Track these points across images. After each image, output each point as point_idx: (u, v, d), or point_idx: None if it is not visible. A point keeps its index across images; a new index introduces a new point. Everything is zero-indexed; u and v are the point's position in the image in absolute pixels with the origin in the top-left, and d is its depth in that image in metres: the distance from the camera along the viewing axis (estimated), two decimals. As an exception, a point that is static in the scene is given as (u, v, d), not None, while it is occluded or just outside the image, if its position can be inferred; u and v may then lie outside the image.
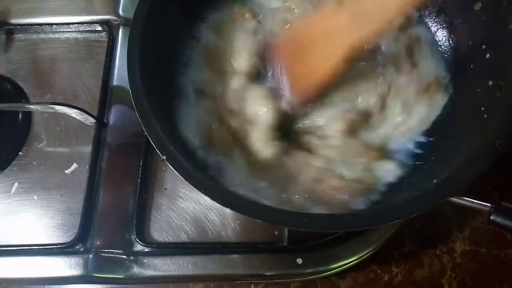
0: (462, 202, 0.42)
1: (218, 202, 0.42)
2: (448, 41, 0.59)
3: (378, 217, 0.43)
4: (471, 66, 0.54)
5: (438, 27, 0.60)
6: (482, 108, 0.49)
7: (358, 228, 0.47)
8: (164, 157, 0.44)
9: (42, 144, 0.65)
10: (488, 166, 0.42)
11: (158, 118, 0.47)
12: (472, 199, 0.42)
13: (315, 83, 0.53)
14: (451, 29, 0.58)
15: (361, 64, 0.56)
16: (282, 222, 0.46)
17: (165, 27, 0.55)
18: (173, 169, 0.44)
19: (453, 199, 0.42)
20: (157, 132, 0.46)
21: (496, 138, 0.44)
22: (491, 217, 0.41)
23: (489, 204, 0.41)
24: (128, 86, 0.48)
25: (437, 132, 0.55)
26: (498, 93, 0.48)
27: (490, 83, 0.49)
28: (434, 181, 0.44)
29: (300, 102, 0.54)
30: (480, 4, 0.52)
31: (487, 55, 0.51)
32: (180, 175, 0.43)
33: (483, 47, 0.52)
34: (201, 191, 0.43)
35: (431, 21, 0.60)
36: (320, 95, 0.55)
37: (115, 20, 0.71)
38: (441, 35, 0.59)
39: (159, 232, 0.59)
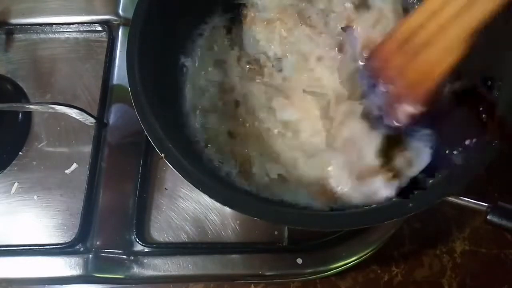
0: (459, 201, 0.42)
1: (217, 201, 0.42)
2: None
3: (378, 215, 0.43)
4: (470, 66, 0.54)
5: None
6: (480, 108, 0.49)
7: (356, 226, 0.47)
8: (163, 155, 0.44)
9: (42, 144, 0.65)
10: (486, 166, 0.43)
11: (157, 117, 0.47)
12: (470, 198, 0.42)
13: (434, 83, 0.49)
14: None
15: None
16: (281, 221, 0.46)
17: (164, 26, 0.55)
18: (171, 167, 0.44)
19: (451, 198, 0.42)
20: (156, 130, 0.46)
21: (494, 138, 0.44)
22: (488, 217, 0.41)
23: (486, 204, 0.41)
24: (128, 86, 0.48)
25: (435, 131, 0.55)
26: (496, 93, 0.48)
27: (489, 82, 0.49)
28: (431, 181, 0.44)
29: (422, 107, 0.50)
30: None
31: (486, 56, 0.51)
32: (179, 173, 0.43)
33: (482, 46, 0.52)
34: (199, 189, 0.43)
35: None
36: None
37: (115, 20, 0.71)
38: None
39: (159, 232, 0.59)
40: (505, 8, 0.43)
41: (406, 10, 0.59)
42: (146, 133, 0.46)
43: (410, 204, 0.42)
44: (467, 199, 0.42)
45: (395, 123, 0.51)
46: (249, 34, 0.60)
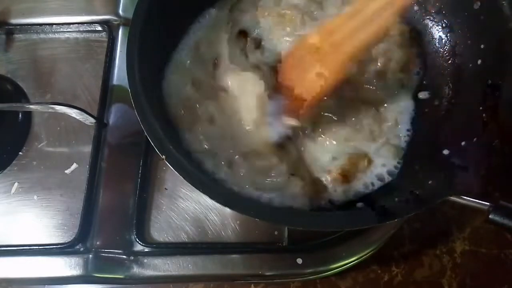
0: (462, 201, 0.42)
1: (218, 202, 0.42)
2: (447, 41, 0.59)
3: (378, 216, 0.43)
4: (470, 65, 0.54)
5: (436, 27, 0.60)
6: (480, 108, 0.49)
7: (358, 227, 0.46)
8: (163, 156, 0.44)
9: (42, 144, 0.65)
10: (487, 165, 0.42)
11: (157, 117, 0.47)
12: (471, 198, 0.42)
13: (312, 101, 0.53)
14: (450, 29, 0.58)
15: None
16: (281, 222, 0.46)
17: (164, 26, 0.55)
18: (172, 169, 0.44)
19: (452, 198, 0.42)
20: (156, 131, 0.46)
21: (494, 138, 0.44)
22: (490, 216, 0.41)
23: (488, 203, 0.41)
24: (128, 86, 0.48)
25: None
26: (496, 93, 0.48)
27: (489, 82, 0.49)
28: (429, 182, 0.44)
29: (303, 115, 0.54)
30: (479, 3, 0.52)
31: (486, 56, 0.51)
32: (180, 174, 0.43)
33: (482, 46, 0.52)
34: (200, 190, 0.43)
35: (430, 21, 0.61)
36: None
37: (115, 20, 0.71)
38: (439, 35, 0.60)
39: (159, 232, 0.59)
40: (377, 40, 0.50)
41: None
42: (146, 134, 0.46)
43: (412, 204, 0.42)
44: (469, 198, 0.42)
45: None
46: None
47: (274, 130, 0.54)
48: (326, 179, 0.54)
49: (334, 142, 0.55)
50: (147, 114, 0.46)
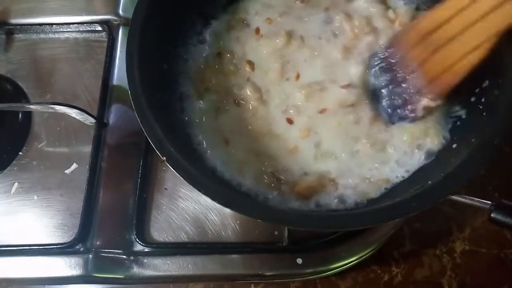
0: (463, 200, 0.42)
1: (219, 203, 0.42)
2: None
3: (379, 216, 0.43)
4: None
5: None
6: (481, 107, 0.49)
7: (358, 227, 0.47)
8: (164, 158, 0.44)
9: (42, 144, 0.65)
10: (487, 164, 0.42)
11: (157, 118, 0.47)
12: (473, 197, 0.42)
13: (456, 78, 0.50)
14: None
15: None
16: (282, 222, 0.46)
17: (164, 26, 0.55)
18: (173, 170, 0.44)
19: (454, 197, 0.42)
20: (157, 132, 0.46)
21: (495, 137, 0.44)
22: (492, 215, 0.41)
23: (489, 202, 0.41)
24: (128, 86, 0.48)
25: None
26: (496, 92, 0.48)
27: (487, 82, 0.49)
28: (429, 182, 0.44)
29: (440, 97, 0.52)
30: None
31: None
32: (180, 175, 0.43)
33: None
34: (201, 192, 0.43)
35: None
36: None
37: (115, 20, 0.71)
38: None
39: (159, 232, 0.59)
40: None
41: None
42: (146, 135, 0.45)
43: (413, 203, 0.42)
44: (470, 197, 0.42)
45: (411, 115, 0.52)
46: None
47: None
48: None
49: None
50: (147, 116, 0.46)
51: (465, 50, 0.47)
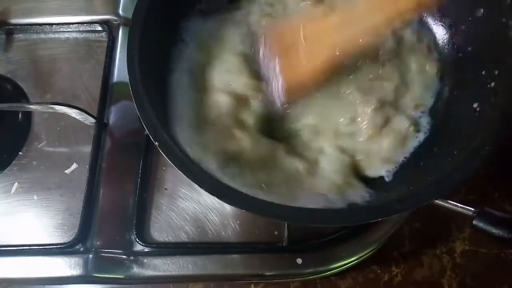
0: (446, 205, 0.42)
1: (212, 194, 0.42)
2: (449, 43, 0.59)
3: (377, 211, 0.43)
4: (469, 66, 0.54)
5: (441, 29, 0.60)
6: (476, 114, 0.49)
7: (358, 222, 0.46)
8: (156, 143, 0.44)
9: (42, 144, 0.65)
10: (476, 171, 0.42)
11: (158, 117, 0.47)
12: (456, 202, 0.42)
13: (301, 80, 0.53)
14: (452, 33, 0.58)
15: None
16: (279, 217, 0.45)
17: (165, 25, 0.55)
18: (165, 156, 0.43)
19: (438, 201, 0.42)
20: (152, 120, 0.46)
21: (485, 144, 0.44)
22: (474, 222, 0.41)
23: (472, 209, 0.41)
24: (128, 86, 0.48)
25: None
26: (493, 99, 0.48)
27: (488, 85, 0.49)
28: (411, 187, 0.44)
29: (287, 98, 0.54)
30: (482, 10, 0.52)
31: (486, 62, 0.51)
32: (172, 163, 0.43)
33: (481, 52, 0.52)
34: (192, 180, 0.42)
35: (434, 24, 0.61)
36: (305, 95, 0.55)
37: (115, 20, 0.71)
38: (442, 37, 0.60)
39: (159, 232, 0.59)
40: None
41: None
42: (141, 121, 0.45)
43: (397, 206, 0.42)
44: (454, 203, 0.42)
45: None
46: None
47: None
48: None
49: None
50: (146, 108, 0.46)
51: (308, 56, 0.51)
